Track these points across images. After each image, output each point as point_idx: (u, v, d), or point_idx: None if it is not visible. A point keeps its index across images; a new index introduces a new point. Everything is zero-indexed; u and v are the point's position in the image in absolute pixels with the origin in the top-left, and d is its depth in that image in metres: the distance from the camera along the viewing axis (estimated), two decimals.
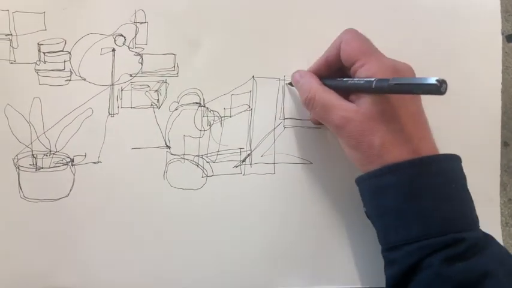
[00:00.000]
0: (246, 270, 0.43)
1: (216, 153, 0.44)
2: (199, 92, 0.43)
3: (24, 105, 0.42)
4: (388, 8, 0.45)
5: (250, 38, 0.44)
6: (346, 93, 0.38)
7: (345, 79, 0.38)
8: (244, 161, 0.44)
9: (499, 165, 0.44)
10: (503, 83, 0.45)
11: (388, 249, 0.37)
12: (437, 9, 0.45)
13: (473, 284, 0.32)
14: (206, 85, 0.43)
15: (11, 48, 0.42)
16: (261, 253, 0.43)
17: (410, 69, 0.37)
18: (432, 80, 0.30)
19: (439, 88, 0.29)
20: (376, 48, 0.38)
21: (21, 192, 0.42)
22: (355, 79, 0.37)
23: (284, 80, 0.44)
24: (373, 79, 0.34)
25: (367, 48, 0.38)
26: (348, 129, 0.36)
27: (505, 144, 0.46)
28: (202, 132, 0.43)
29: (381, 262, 0.38)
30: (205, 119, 0.43)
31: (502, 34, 0.46)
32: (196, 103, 0.43)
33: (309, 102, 0.39)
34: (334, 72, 0.41)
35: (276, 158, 0.44)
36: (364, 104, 0.36)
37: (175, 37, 0.43)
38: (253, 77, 0.44)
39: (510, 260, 0.35)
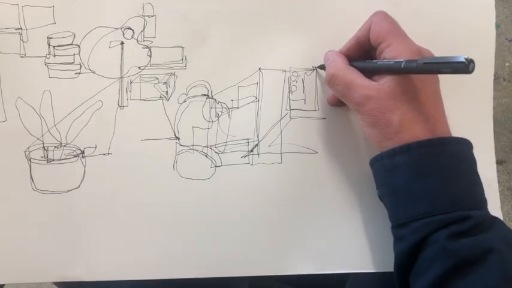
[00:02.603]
0: (255, 257, 0.44)
1: (224, 144, 0.45)
2: (207, 84, 0.44)
3: (35, 98, 0.43)
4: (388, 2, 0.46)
5: (257, 30, 0.44)
6: (373, 74, 0.39)
7: (374, 61, 0.39)
8: (252, 151, 0.45)
9: (494, 155, 0.46)
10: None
11: (397, 226, 0.38)
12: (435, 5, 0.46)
13: (477, 259, 0.34)
14: (214, 77, 0.44)
15: (21, 42, 0.42)
16: (270, 240, 0.44)
17: (432, 55, 0.39)
18: (461, 58, 0.30)
19: (467, 67, 0.30)
20: (403, 31, 0.39)
21: (32, 184, 0.42)
22: (384, 60, 0.38)
23: (290, 71, 0.45)
24: (402, 60, 0.35)
25: (395, 29, 0.39)
26: (368, 106, 0.37)
27: None
28: (211, 123, 0.44)
29: (388, 246, 0.39)
30: (213, 110, 0.44)
31: (511, 40, 0.47)
32: (204, 95, 0.44)
33: (330, 79, 0.41)
34: (364, 53, 0.42)
35: (283, 148, 0.45)
36: (387, 82, 0.37)
37: (183, 30, 0.44)
38: (259, 69, 0.45)
39: None
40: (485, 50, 0.46)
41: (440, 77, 0.39)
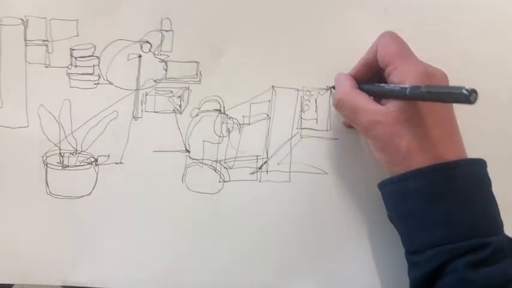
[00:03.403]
0: (260, 275, 0.44)
1: (233, 159, 0.45)
2: (219, 100, 0.45)
3: (56, 106, 0.44)
4: (410, 21, 0.45)
5: (271, 48, 0.45)
6: (380, 97, 0.39)
7: (381, 84, 0.38)
8: (260, 168, 0.45)
9: None
10: None
11: (412, 252, 0.37)
12: (468, 20, 0.45)
13: None
14: (227, 93, 0.45)
15: (47, 53, 0.45)
16: (275, 258, 0.44)
17: (443, 75, 0.38)
18: (461, 90, 0.30)
19: (468, 97, 0.29)
20: (411, 52, 0.38)
21: (47, 188, 0.44)
22: (390, 85, 0.37)
23: (303, 90, 0.45)
24: (407, 86, 0.35)
25: (402, 51, 0.38)
26: (376, 131, 0.37)
27: None
28: (221, 138, 0.45)
29: (397, 268, 0.39)
30: (224, 125, 0.45)
31: None
32: (217, 110, 0.45)
33: (338, 103, 0.40)
34: (374, 74, 0.41)
35: (292, 167, 0.45)
36: (394, 107, 0.36)
37: (199, 46, 0.45)
38: (272, 86, 0.45)
39: None
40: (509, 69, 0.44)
41: None
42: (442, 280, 0.35)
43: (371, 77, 0.41)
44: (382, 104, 0.38)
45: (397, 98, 0.36)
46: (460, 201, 0.35)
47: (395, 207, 0.38)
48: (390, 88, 0.37)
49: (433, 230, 0.35)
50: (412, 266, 0.37)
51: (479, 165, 0.37)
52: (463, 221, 0.35)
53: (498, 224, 0.36)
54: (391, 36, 0.39)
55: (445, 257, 0.34)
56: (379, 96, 0.39)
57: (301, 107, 0.45)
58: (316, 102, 0.45)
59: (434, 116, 0.36)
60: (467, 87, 0.29)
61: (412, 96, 0.34)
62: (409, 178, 0.36)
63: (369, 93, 0.39)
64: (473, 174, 0.36)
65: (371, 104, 0.38)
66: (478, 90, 0.29)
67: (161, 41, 0.45)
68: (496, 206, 0.36)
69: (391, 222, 0.40)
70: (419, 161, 0.35)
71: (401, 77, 0.36)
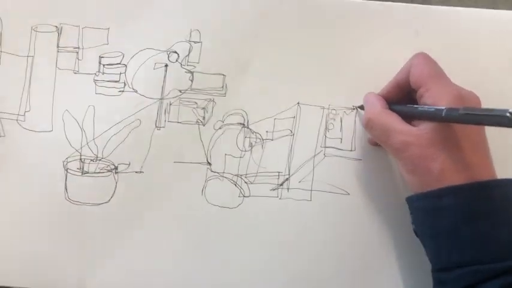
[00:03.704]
0: None
1: (254, 175, 0.44)
2: (244, 113, 0.44)
3: (80, 112, 0.44)
4: (440, 44, 0.44)
5: (298, 65, 0.44)
6: (412, 119, 0.38)
7: (415, 106, 0.38)
8: (281, 185, 0.44)
9: None
10: None
11: (439, 269, 0.36)
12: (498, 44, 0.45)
13: None
14: (251, 107, 0.44)
15: (77, 60, 0.45)
16: (293, 277, 0.43)
17: (476, 98, 0.37)
18: (505, 113, 0.29)
19: (511, 121, 0.28)
20: (445, 74, 0.38)
21: (66, 194, 0.44)
22: (425, 107, 0.37)
23: (329, 108, 0.44)
24: (443, 108, 0.34)
25: (435, 73, 0.38)
26: (408, 153, 0.36)
27: None
28: (243, 152, 0.44)
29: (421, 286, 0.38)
30: (247, 140, 0.44)
31: None
32: (240, 124, 0.44)
33: (367, 123, 0.40)
34: (405, 96, 0.41)
35: (314, 186, 0.44)
36: (426, 129, 0.36)
37: (227, 58, 0.45)
38: (298, 103, 0.44)
39: None
40: None
41: None
42: None
43: (401, 98, 0.40)
44: (413, 126, 0.37)
45: (431, 119, 0.35)
46: (496, 221, 0.34)
47: (426, 222, 0.37)
48: (424, 109, 0.36)
49: (465, 249, 0.34)
50: (438, 283, 0.37)
51: (511, 185, 0.36)
52: (498, 242, 0.34)
53: None
54: (425, 58, 0.39)
55: (476, 278, 0.33)
56: (410, 118, 0.38)
57: (326, 125, 0.44)
58: (341, 122, 0.44)
59: (469, 139, 0.35)
60: (510, 110, 0.28)
61: (449, 118, 0.34)
62: (444, 195, 0.35)
63: (400, 114, 0.38)
64: (507, 195, 0.35)
65: (403, 125, 0.37)
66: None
67: (189, 52, 0.45)
68: None
69: (417, 236, 0.39)
70: (453, 182, 0.35)
71: (435, 99, 0.36)
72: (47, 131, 0.44)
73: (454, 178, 0.35)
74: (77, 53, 0.45)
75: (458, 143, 0.35)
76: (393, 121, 0.38)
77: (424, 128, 0.36)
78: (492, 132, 0.37)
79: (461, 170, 0.35)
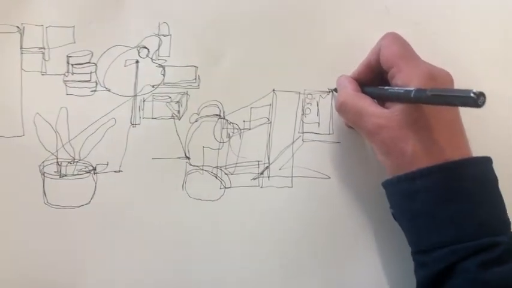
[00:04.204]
0: (261, 281, 0.43)
1: (234, 165, 0.44)
2: (219, 104, 0.44)
3: (52, 114, 0.43)
4: (411, 21, 0.44)
5: (271, 52, 0.44)
6: (384, 100, 0.38)
7: (385, 87, 0.38)
8: (262, 173, 0.44)
9: None
10: None
11: (419, 251, 0.37)
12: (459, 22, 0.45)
13: None
14: (226, 97, 0.44)
15: (43, 60, 0.44)
16: (279, 264, 0.43)
17: (447, 76, 0.37)
18: (469, 93, 0.29)
19: (476, 101, 0.29)
20: (415, 54, 0.38)
21: (45, 199, 0.43)
22: (394, 88, 0.36)
23: (304, 93, 0.44)
24: (412, 89, 0.34)
25: (405, 53, 0.37)
26: (380, 136, 0.36)
27: None
28: (222, 144, 0.44)
29: (403, 268, 0.39)
30: (224, 131, 0.44)
31: None
32: (216, 115, 0.44)
33: (340, 107, 0.40)
34: (377, 76, 0.40)
35: (294, 172, 0.44)
36: (397, 111, 0.36)
37: (198, 50, 0.44)
38: (273, 90, 0.44)
39: None
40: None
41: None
42: (452, 280, 0.34)
43: (373, 79, 0.40)
44: (386, 107, 0.37)
45: (401, 101, 0.35)
46: (470, 200, 0.34)
47: (402, 206, 0.37)
48: (394, 91, 0.36)
49: (442, 229, 0.35)
50: (419, 265, 0.37)
51: (486, 162, 0.36)
52: (474, 220, 0.34)
53: (506, 222, 0.36)
54: (394, 37, 0.38)
55: (456, 257, 0.34)
56: (382, 100, 0.38)
57: (303, 110, 0.44)
58: (317, 106, 0.44)
59: (440, 119, 0.35)
60: (475, 91, 0.28)
61: (417, 100, 0.34)
62: (417, 177, 0.35)
63: (373, 96, 0.38)
64: (482, 173, 0.35)
65: (375, 107, 0.37)
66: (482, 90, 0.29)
67: (159, 46, 0.44)
68: (503, 203, 0.36)
69: (396, 220, 0.39)
70: (425, 164, 0.35)
71: (406, 80, 0.36)
72: (18, 135, 0.43)
73: (427, 159, 0.35)
74: (43, 53, 0.44)
75: (430, 123, 0.35)
76: (365, 104, 0.38)
77: (395, 110, 0.36)
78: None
79: (434, 151, 0.35)
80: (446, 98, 0.31)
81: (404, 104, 0.35)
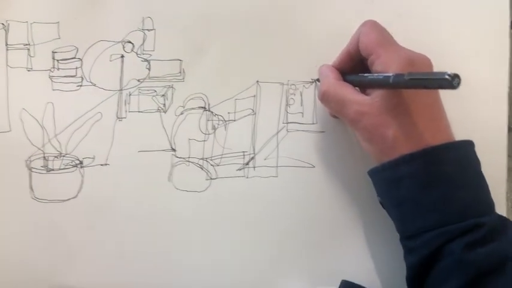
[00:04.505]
0: (250, 273, 0.43)
1: (220, 157, 0.44)
2: (204, 97, 0.44)
3: (38, 110, 0.44)
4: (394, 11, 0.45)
5: (254, 44, 0.45)
6: (365, 88, 0.38)
7: (365, 74, 0.38)
8: (247, 164, 0.44)
9: (506, 152, 0.44)
10: None
11: (407, 237, 0.37)
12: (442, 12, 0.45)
13: (496, 268, 0.33)
14: (211, 90, 0.44)
15: (29, 57, 0.44)
16: (266, 255, 0.44)
17: (426, 61, 0.37)
18: (443, 75, 0.29)
19: (451, 82, 0.29)
20: (393, 40, 0.38)
21: (32, 193, 0.43)
22: (374, 74, 0.37)
23: (288, 84, 0.44)
24: (390, 74, 0.34)
25: (384, 39, 0.38)
26: (363, 122, 0.37)
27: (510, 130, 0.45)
28: (207, 135, 0.44)
29: (392, 255, 0.40)
30: (209, 123, 0.44)
31: None
32: (201, 107, 0.44)
33: (323, 96, 0.40)
34: (358, 64, 0.41)
35: (279, 162, 0.44)
36: (378, 97, 0.36)
37: (182, 43, 0.44)
38: (257, 81, 0.44)
39: None
40: (499, 55, 0.44)
41: None
42: (439, 263, 0.35)
43: (355, 67, 0.41)
44: (367, 95, 0.37)
45: (381, 87, 0.36)
46: (453, 183, 0.35)
47: (388, 193, 0.38)
48: (374, 78, 0.37)
49: (427, 214, 0.35)
50: (408, 251, 0.37)
51: (468, 146, 0.37)
52: (457, 203, 0.35)
53: (490, 204, 0.36)
54: (372, 25, 0.39)
55: (441, 240, 0.34)
56: (364, 87, 0.38)
57: (287, 101, 0.44)
58: (301, 96, 0.44)
59: (420, 103, 0.36)
60: (449, 72, 0.29)
61: (396, 85, 0.34)
62: (401, 164, 0.35)
63: (354, 84, 0.39)
64: (464, 156, 0.36)
65: (356, 95, 0.38)
66: (462, 75, 0.29)
67: (143, 41, 0.44)
68: (486, 185, 0.36)
69: (383, 207, 0.40)
70: (407, 149, 0.35)
71: (385, 66, 0.36)
72: (5, 131, 0.44)
73: (408, 143, 0.35)
74: (28, 49, 0.44)
75: (410, 108, 0.35)
76: (347, 92, 0.38)
77: (375, 96, 0.36)
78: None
79: (414, 137, 0.35)
80: (423, 81, 0.32)
81: (385, 90, 0.36)
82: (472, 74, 0.43)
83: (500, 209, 0.41)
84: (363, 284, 0.41)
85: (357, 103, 0.37)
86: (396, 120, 0.35)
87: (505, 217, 0.36)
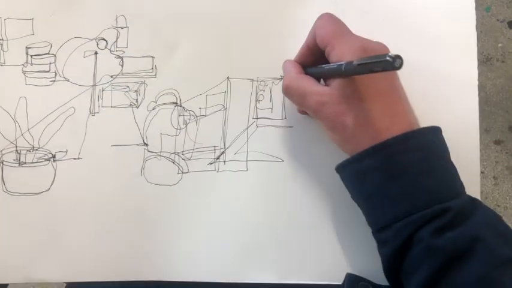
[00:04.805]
0: (220, 265, 0.44)
1: (191, 151, 0.45)
2: (175, 92, 0.46)
3: (11, 104, 0.45)
4: (358, 10, 0.47)
5: (225, 41, 0.46)
6: (325, 79, 0.39)
7: (323, 66, 0.39)
8: (218, 158, 0.45)
9: (478, 133, 0.45)
10: (506, 69, 0.46)
11: (378, 229, 0.37)
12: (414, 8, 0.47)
13: (464, 251, 0.33)
14: (182, 86, 0.46)
15: (2, 51, 0.45)
16: (235, 248, 0.44)
17: (380, 47, 0.38)
18: (384, 57, 0.31)
19: (392, 64, 0.30)
20: (348, 30, 0.39)
21: (3, 186, 0.44)
22: (330, 64, 0.38)
23: (257, 80, 0.46)
24: (343, 62, 0.36)
25: (338, 30, 0.39)
26: (324, 112, 0.38)
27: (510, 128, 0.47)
28: (179, 130, 0.45)
29: (366, 248, 0.40)
30: (181, 118, 0.45)
31: (502, 21, 0.46)
32: (173, 103, 0.45)
33: (286, 91, 0.41)
34: (319, 57, 0.41)
35: (249, 156, 0.45)
36: (336, 86, 0.37)
37: (154, 41, 0.46)
38: (227, 78, 0.46)
39: (497, 221, 0.36)
40: (467, 38, 0.46)
41: (424, 66, 0.41)
42: (410, 252, 0.35)
43: (316, 60, 0.42)
44: (328, 85, 0.38)
45: (336, 76, 0.37)
46: (417, 172, 0.35)
47: (356, 188, 0.39)
48: (330, 67, 0.38)
49: (395, 205, 0.36)
50: (380, 244, 0.38)
51: (430, 133, 0.37)
52: (423, 191, 0.35)
53: (457, 188, 0.36)
54: (329, 17, 0.40)
55: (410, 229, 0.35)
56: (323, 78, 0.40)
57: (257, 96, 0.46)
58: (270, 92, 0.46)
59: (374, 89, 0.36)
60: (390, 54, 0.30)
61: (348, 72, 0.35)
62: (364, 158, 0.36)
63: (314, 76, 0.40)
64: (428, 144, 0.36)
65: (316, 86, 0.39)
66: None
67: (117, 38, 0.45)
68: (454, 169, 0.37)
69: (355, 201, 0.40)
70: (367, 136, 0.36)
71: (339, 55, 0.37)
72: None
73: (367, 131, 0.36)
74: (1, 44, 0.45)
75: (366, 94, 0.36)
76: (308, 84, 0.39)
77: (334, 86, 0.37)
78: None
79: (373, 123, 0.36)
80: (369, 65, 0.33)
81: (341, 79, 0.37)
82: (442, 64, 0.45)
83: (475, 188, 0.42)
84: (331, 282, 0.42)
85: (317, 94, 0.38)
86: (354, 108, 0.36)
87: (475, 198, 0.37)
